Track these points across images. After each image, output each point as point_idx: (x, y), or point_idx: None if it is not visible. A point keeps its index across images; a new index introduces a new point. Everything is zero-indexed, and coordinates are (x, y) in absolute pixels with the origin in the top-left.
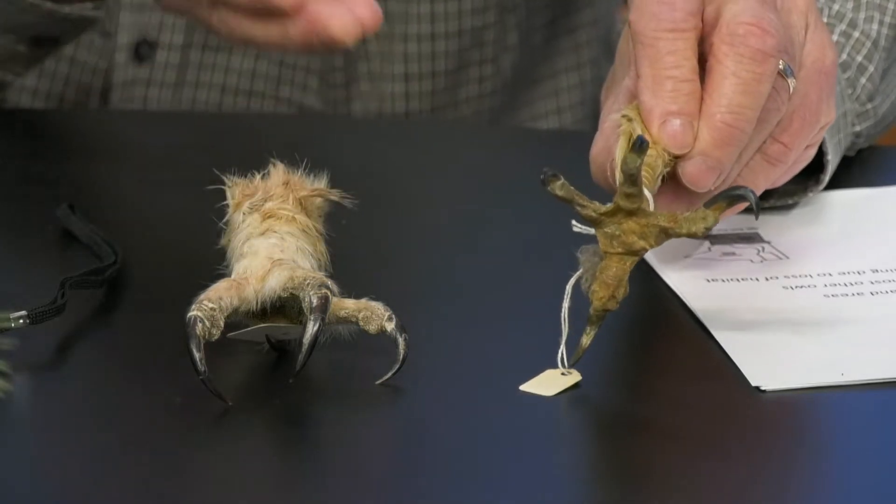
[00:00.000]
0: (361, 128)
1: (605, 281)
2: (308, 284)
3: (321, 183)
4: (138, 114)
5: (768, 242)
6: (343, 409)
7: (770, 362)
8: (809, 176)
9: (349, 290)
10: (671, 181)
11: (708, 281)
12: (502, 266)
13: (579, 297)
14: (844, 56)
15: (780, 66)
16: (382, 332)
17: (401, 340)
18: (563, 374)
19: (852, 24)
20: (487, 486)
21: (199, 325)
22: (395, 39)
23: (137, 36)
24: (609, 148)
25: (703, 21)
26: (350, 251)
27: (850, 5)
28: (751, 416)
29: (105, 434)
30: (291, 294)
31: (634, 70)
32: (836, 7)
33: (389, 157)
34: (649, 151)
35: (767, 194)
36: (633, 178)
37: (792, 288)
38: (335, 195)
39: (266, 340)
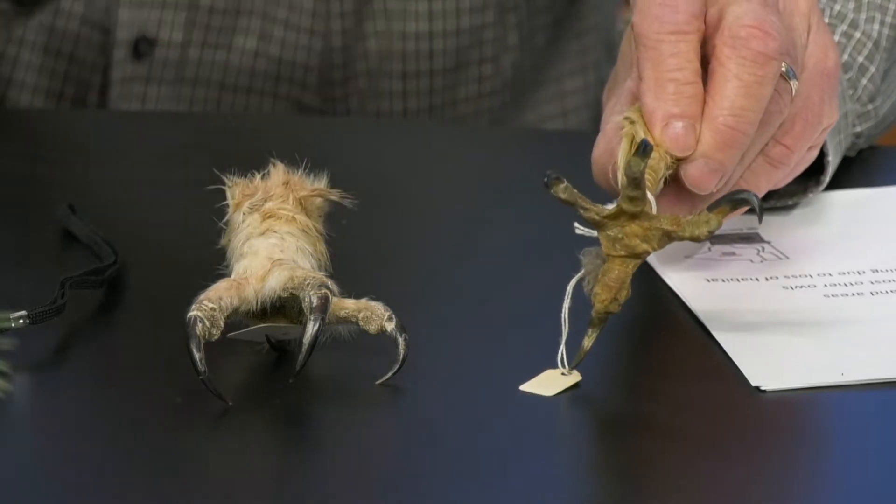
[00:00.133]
0: (362, 128)
1: (607, 283)
2: (308, 284)
3: (321, 183)
4: (138, 114)
5: (768, 242)
6: (343, 409)
7: (770, 362)
8: (810, 176)
9: (349, 290)
10: (673, 183)
11: (708, 281)
12: (503, 266)
13: (579, 297)
14: (846, 57)
15: (783, 69)
16: (382, 332)
17: (401, 340)
18: (563, 374)
19: (853, 25)
20: (487, 486)
21: (199, 325)
22: (393, 37)
23: (136, 33)
24: (611, 150)
25: (705, 23)
26: (350, 251)
27: (851, 6)
28: (751, 416)
29: (105, 434)
30: (291, 294)
31: (636, 72)
32: (837, 7)
33: (390, 158)
34: (651, 154)
35: (768, 195)
36: (636, 182)
37: (792, 288)
38: (335, 195)
39: (266, 340)
